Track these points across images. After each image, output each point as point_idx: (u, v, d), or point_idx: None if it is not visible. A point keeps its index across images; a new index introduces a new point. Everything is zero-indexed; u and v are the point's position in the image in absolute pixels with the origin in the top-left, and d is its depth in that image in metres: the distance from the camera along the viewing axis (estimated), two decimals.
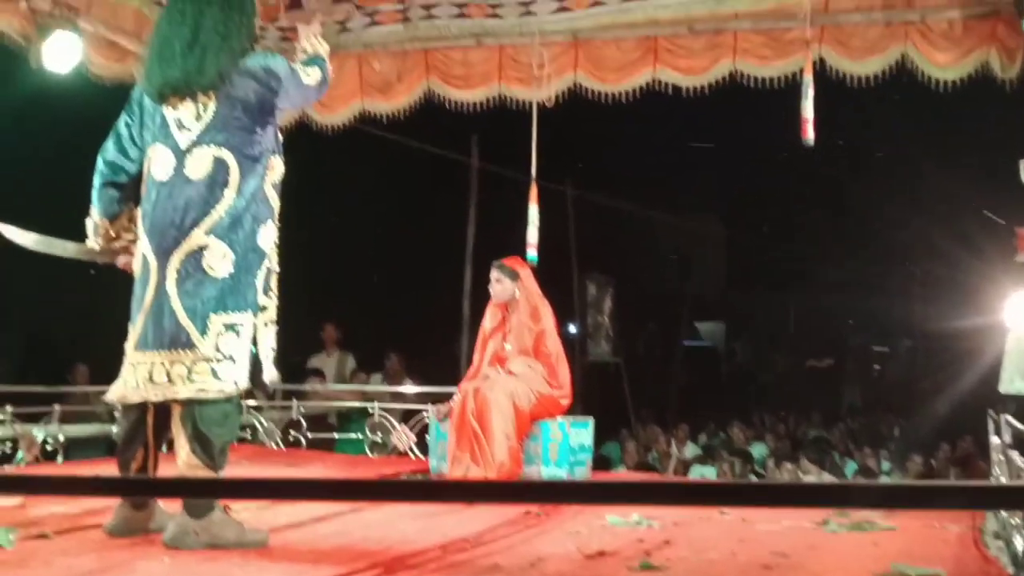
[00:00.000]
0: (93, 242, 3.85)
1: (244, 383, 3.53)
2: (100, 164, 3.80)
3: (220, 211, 3.52)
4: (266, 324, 3.65)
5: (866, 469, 9.08)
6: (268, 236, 3.65)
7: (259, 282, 3.60)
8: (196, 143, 3.57)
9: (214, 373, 3.45)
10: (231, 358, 3.48)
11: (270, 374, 3.67)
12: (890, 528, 4.08)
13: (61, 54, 5.98)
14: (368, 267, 13.65)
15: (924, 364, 18.39)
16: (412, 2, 6.93)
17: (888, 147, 14.45)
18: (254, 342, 3.60)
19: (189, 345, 3.46)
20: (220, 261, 3.49)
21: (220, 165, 3.55)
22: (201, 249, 3.49)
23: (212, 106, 3.59)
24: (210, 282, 3.49)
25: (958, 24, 6.02)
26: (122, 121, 3.79)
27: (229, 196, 3.53)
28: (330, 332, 9.08)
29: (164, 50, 3.64)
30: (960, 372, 12.15)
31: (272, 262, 3.69)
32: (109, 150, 3.79)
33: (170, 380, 3.46)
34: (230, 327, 3.49)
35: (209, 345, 3.46)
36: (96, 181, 3.81)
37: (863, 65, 6.27)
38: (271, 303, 3.68)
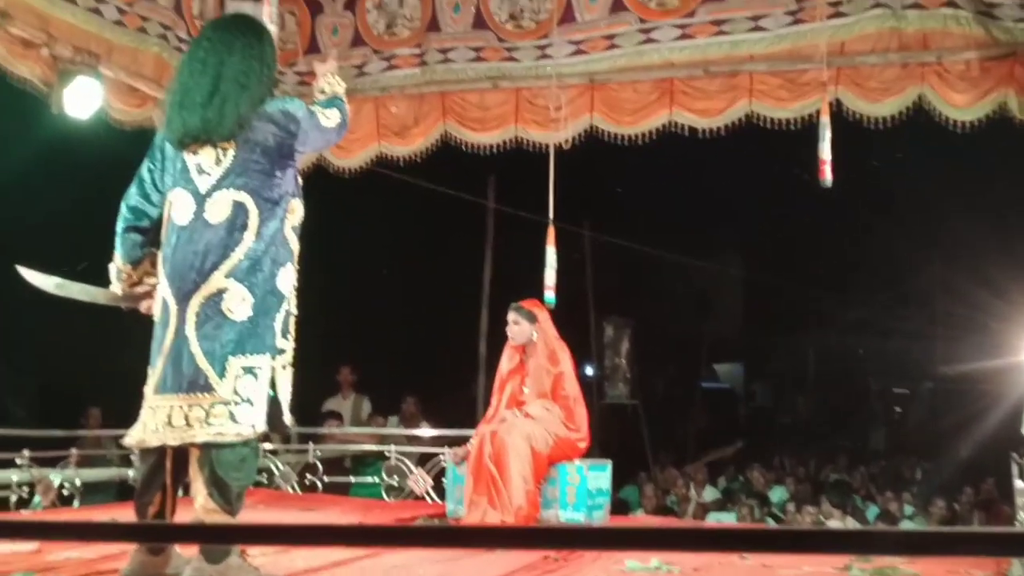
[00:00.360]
0: (116, 287, 3.87)
1: (262, 426, 3.51)
2: (123, 209, 3.82)
3: (239, 254, 3.52)
4: (284, 367, 3.64)
5: (887, 513, 8.96)
6: (287, 279, 3.65)
7: (278, 325, 3.59)
8: (216, 187, 3.59)
9: (232, 416, 3.43)
10: (249, 401, 3.47)
11: (288, 417, 3.65)
12: (913, 574, 4.02)
13: (82, 99, 6.05)
14: (384, 309, 13.65)
15: (945, 406, 18.19)
16: (429, 46, 7.01)
17: (908, 187, 14.41)
18: (272, 385, 3.58)
19: (207, 388, 3.45)
20: (239, 304, 3.49)
21: (239, 208, 3.56)
22: (220, 292, 3.49)
23: (232, 151, 3.61)
24: (229, 325, 3.48)
25: (975, 65, 6.02)
26: (144, 167, 3.81)
27: (248, 239, 3.54)
28: (346, 375, 9.06)
29: (185, 99, 3.66)
30: (982, 414, 12.00)
31: (291, 305, 3.69)
32: (132, 196, 3.81)
33: (188, 424, 3.44)
34: (248, 370, 3.48)
35: (227, 388, 3.45)
36: (119, 226, 3.82)
37: (880, 106, 6.28)
38: (289, 346, 3.67)
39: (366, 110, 7.20)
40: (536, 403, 5.59)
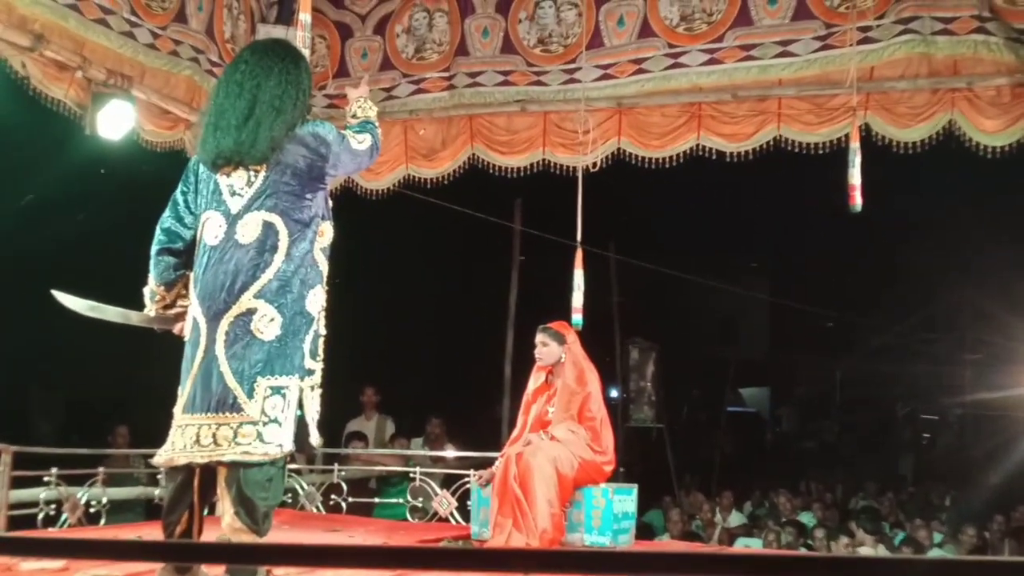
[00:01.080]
0: (150, 309, 3.90)
1: (289, 447, 3.51)
2: (158, 232, 3.87)
3: (269, 275, 3.55)
4: (312, 388, 3.65)
5: (914, 540, 8.85)
6: (317, 301, 3.66)
7: (307, 346, 3.61)
8: (247, 208, 3.62)
9: (260, 436, 3.45)
10: (276, 421, 3.48)
11: (315, 438, 3.66)
12: None
13: (114, 121, 6.13)
14: (410, 331, 13.67)
15: (975, 432, 17.99)
16: (457, 70, 7.06)
17: (937, 211, 14.31)
18: (300, 406, 3.59)
19: (236, 408, 3.47)
20: (268, 325, 3.52)
21: (269, 229, 3.59)
22: (250, 312, 3.52)
23: (263, 173, 3.65)
24: (258, 345, 3.50)
25: (1006, 91, 6.01)
26: (179, 190, 3.86)
27: (278, 260, 3.56)
28: (370, 395, 9.05)
29: (220, 121, 3.69)
30: (1012, 440, 11.86)
31: (320, 326, 3.70)
32: (166, 218, 3.85)
33: (216, 443, 3.46)
34: (276, 390, 3.50)
35: (255, 408, 3.46)
36: (153, 249, 3.86)
37: (909, 132, 6.27)
38: (318, 367, 3.68)
39: (395, 133, 7.25)
40: (561, 426, 5.57)
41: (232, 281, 3.54)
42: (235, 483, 3.45)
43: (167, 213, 3.85)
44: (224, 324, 3.53)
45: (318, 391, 3.68)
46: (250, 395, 3.47)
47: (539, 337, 5.76)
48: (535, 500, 5.23)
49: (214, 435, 3.48)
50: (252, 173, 3.65)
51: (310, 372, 3.63)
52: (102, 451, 6.86)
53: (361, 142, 3.86)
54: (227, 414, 3.48)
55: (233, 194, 3.65)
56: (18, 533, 5.13)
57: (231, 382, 3.48)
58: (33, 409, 10.35)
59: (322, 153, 3.70)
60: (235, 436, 3.45)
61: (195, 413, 3.54)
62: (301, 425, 3.60)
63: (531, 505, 5.23)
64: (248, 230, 3.59)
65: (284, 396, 3.51)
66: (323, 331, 3.72)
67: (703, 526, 10.00)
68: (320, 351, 3.70)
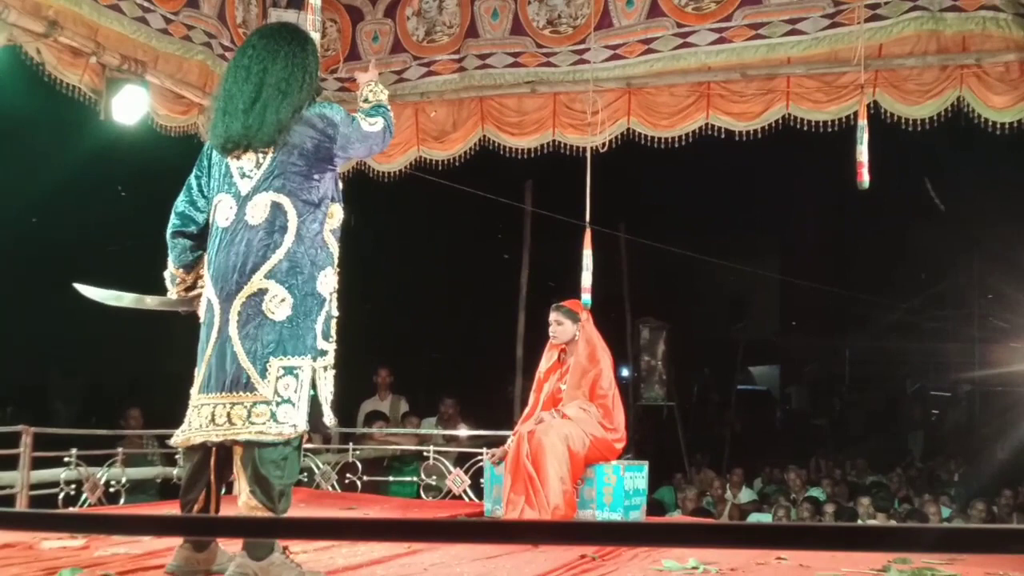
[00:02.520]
0: (172, 292, 3.95)
1: (303, 426, 3.55)
2: (172, 216, 3.90)
3: (279, 255, 3.58)
4: (325, 369, 3.68)
5: (922, 516, 8.90)
6: (328, 282, 3.69)
7: (318, 327, 3.63)
8: (256, 189, 3.65)
9: (273, 416, 3.48)
10: (289, 401, 3.51)
11: (329, 418, 3.70)
12: None
13: (128, 106, 6.17)
14: (423, 311, 13.71)
15: (984, 408, 17.99)
16: (468, 52, 7.08)
17: (946, 188, 14.27)
18: (313, 386, 3.64)
19: (249, 388, 3.50)
20: (279, 305, 3.54)
21: (277, 210, 3.62)
22: (261, 293, 3.55)
23: (271, 154, 3.68)
24: (269, 326, 3.53)
25: (1015, 67, 6.00)
26: (193, 174, 3.90)
27: (288, 240, 3.59)
28: (384, 376, 9.11)
29: (228, 105, 3.73)
30: (1021, 416, 11.87)
31: (332, 307, 3.74)
32: (180, 202, 3.89)
33: (230, 422, 3.50)
34: (289, 371, 3.53)
35: (268, 388, 3.49)
36: (168, 232, 3.90)
37: (918, 109, 6.26)
38: (330, 348, 3.71)
39: (406, 115, 7.27)
40: (573, 404, 5.61)
41: (243, 262, 3.58)
42: (250, 462, 3.48)
43: (181, 197, 3.89)
44: (236, 305, 3.56)
45: (331, 372, 3.70)
46: (263, 375, 3.50)
47: (553, 315, 5.80)
48: (547, 477, 5.28)
49: (228, 414, 3.51)
50: (261, 155, 3.68)
51: (323, 353, 3.65)
52: (119, 432, 6.93)
53: (373, 124, 3.88)
54: (241, 393, 3.51)
55: (243, 176, 3.69)
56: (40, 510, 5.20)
57: (244, 362, 3.51)
58: (53, 393, 10.43)
59: (329, 134, 3.72)
60: (249, 415, 3.48)
61: (210, 393, 3.57)
62: (315, 405, 3.63)
63: (543, 482, 5.28)
64: (257, 211, 3.62)
65: (297, 376, 3.54)
66: (335, 312, 3.75)
67: (714, 502, 10.06)
68: (333, 332, 3.72)
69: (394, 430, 8.33)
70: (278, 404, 3.49)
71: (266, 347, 3.52)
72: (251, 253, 3.58)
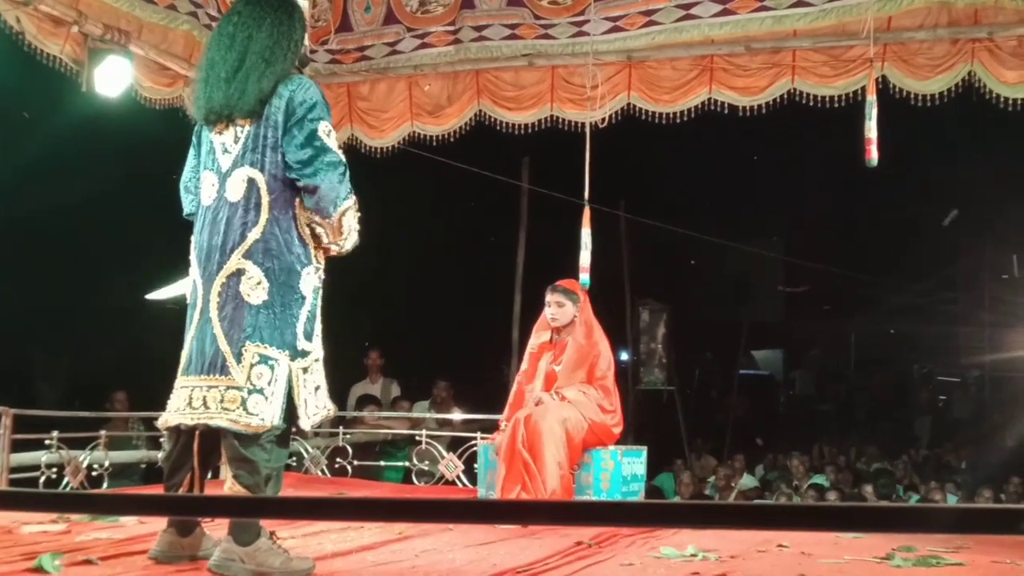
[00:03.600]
0: None
1: (276, 423, 3.40)
2: (181, 191, 3.81)
3: (255, 234, 3.47)
4: (305, 371, 3.53)
5: (928, 502, 8.77)
6: (310, 281, 3.56)
7: (300, 325, 3.50)
8: (234, 165, 3.55)
9: (244, 404, 3.37)
10: (261, 392, 3.39)
11: (305, 423, 3.54)
12: (958, 564, 3.89)
13: (112, 78, 6.05)
14: (416, 293, 13.58)
15: (993, 394, 17.85)
16: (463, 23, 6.89)
17: (956, 168, 14.08)
18: (290, 385, 3.47)
19: (224, 371, 3.42)
20: (255, 288, 3.43)
21: (251, 185, 3.51)
22: (239, 273, 3.45)
23: (248, 128, 3.56)
24: (246, 309, 3.43)
25: None
26: (190, 153, 3.81)
27: (262, 219, 3.48)
28: (375, 359, 9.00)
29: (210, 74, 3.62)
30: None
31: (316, 308, 3.58)
32: (182, 182, 3.81)
33: (205, 405, 3.42)
34: (264, 359, 3.41)
35: (242, 374, 3.40)
36: (185, 215, 3.80)
37: (928, 84, 6.14)
38: (312, 349, 3.56)
39: (399, 89, 7.15)
40: (571, 387, 5.50)
41: (224, 240, 3.48)
42: (231, 447, 3.39)
43: (183, 175, 3.81)
44: (216, 285, 3.47)
45: (314, 375, 3.56)
46: (238, 359, 3.40)
47: (554, 297, 5.66)
48: (544, 462, 5.21)
49: (204, 397, 3.43)
50: (239, 128, 3.57)
51: (303, 354, 3.51)
52: (103, 414, 6.83)
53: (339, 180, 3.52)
54: (217, 376, 3.42)
55: (224, 152, 3.59)
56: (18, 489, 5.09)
57: (223, 344, 3.42)
58: (38, 374, 10.34)
59: (294, 114, 3.51)
60: (222, 400, 3.39)
61: (190, 375, 3.50)
62: (291, 406, 3.48)
63: (540, 467, 5.21)
64: (235, 186, 3.52)
65: (272, 368, 3.42)
66: (319, 314, 3.59)
67: (715, 488, 9.95)
68: (316, 333, 3.58)
69: (385, 413, 8.21)
70: (250, 392, 3.38)
71: (243, 331, 3.42)
72: (231, 231, 3.49)
